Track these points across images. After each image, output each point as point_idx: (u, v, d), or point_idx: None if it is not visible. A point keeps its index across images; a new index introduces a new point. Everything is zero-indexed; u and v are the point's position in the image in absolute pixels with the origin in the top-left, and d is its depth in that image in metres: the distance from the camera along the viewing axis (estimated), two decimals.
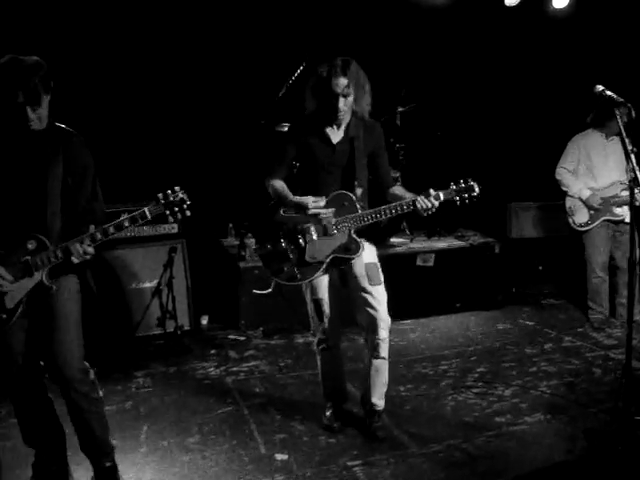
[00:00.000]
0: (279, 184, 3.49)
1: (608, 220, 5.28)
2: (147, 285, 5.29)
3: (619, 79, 5.63)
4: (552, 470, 3.28)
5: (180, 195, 2.73)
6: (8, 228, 2.72)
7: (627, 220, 5.04)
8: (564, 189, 5.45)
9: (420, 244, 6.14)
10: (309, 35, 6.11)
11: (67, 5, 5.51)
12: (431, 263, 5.91)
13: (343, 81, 3.22)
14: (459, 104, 7.00)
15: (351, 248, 3.40)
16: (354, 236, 3.41)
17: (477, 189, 3.31)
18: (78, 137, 2.83)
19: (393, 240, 6.12)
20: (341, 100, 3.26)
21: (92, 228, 2.72)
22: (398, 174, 6.29)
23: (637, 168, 3.15)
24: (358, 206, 3.39)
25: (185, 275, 5.44)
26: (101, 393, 3.13)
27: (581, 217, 5.37)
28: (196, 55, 6.03)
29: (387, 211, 3.32)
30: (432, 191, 3.27)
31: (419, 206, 3.26)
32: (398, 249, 5.99)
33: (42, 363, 3.01)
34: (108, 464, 3.14)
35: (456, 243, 6.20)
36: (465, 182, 3.32)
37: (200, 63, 6.06)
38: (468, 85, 6.98)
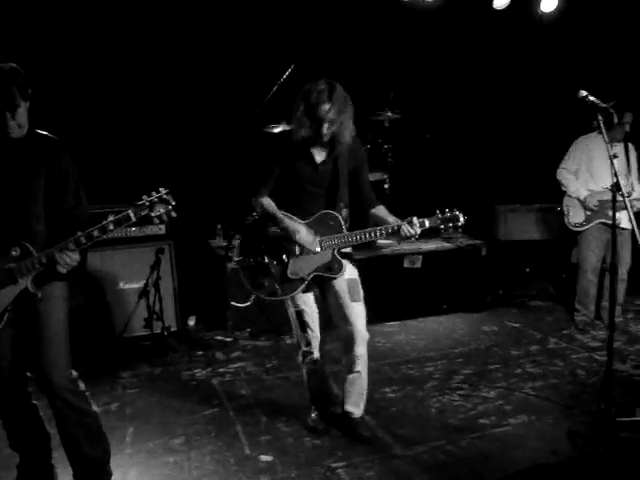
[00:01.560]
0: (268, 203, 3.47)
1: (603, 223, 5.28)
2: (134, 286, 5.28)
3: (607, 82, 5.71)
4: (535, 472, 3.30)
5: (165, 197, 2.70)
6: None
7: (622, 225, 5.03)
8: (563, 189, 5.47)
9: (407, 246, 6.15)
10: (298, 37, 6.13)
11: (52, 5, 5.50)
12: (418, 265, 5.93)
13: (327, 106, 3.23)
14: (448, 106, 7.04)
15: (333, 268, 3.44)
16: (337, 256, 3.44)
17: (462, 219, 3.33)
18: (60, 143, 2.82)
19: (380, 242, 6.13)
20: (325, 125, 3.29)
21: (78, 234, 2.68)
22: (386, 176, 6.32)
23: (618, 172, 3.19)
24: (344, 227, 3.43)
25: (172, 276, 5.45)
26: (95, 408, 3.06)
27: (577, 217, 5.39)
28: (185, 57, 6.04)
29: (372, 234, 3.36)
30: (415, 220, 3.29)
31: (403, 233, 3.30)
32: (385, 251, 6.01)
33: (28, 374, 3.00)
34: None
35: (444, 245, 6.23)
36: (451, 211, 3.34)
37: (189, 64, 6.07)
38: (457, 87, 7.03)
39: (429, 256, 5.97)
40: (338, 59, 5.36)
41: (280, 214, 3.43)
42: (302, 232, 3.37)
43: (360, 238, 3.37)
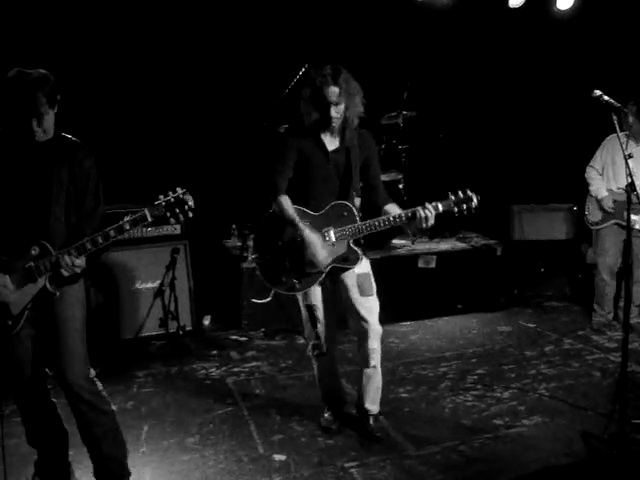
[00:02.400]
0: (288, 205, 3.40)
1: (619, 224, 5.22)
2: (149, 286, 5.32)
3: (624, 81, 5.66)
4: (548, 474, 3.29)
5: (182, 196, 2.69)
6: (13, 235, 2.75)
7: (637, 227, 4.99)
8: (588, 187, 5.45)
9: (422, 246, 6.15)
10: (312, 36, 6.13)
11: (70, 10, 5.56)
12: (433, 265, 5.92)
13: (334, 89, 3.25)
14: (462, 106, 7.01)
15: (350, 258, 3.44)
16: (353, 246, 3.44)
17: (476, 200, 3.30)
18: (82, 147, 2.86)
19: (395, 242, 6.14)
20: (332, 108, 3.30)
21: (84, 239, 2.71)
22: (401, 176, 6.31)
23: (634, 173, 3.16)
24: (357, 217, 3.42)
25: (187, 276, 5.48)
26: (114, 407, 3.10)
27: (594, 216, 5.37)
28: (199, 57, 6.06)
29: (386, 221, 3.34)
30: (428, 204, 3.27)
31: (418, 215, 3.26)
32: (400, 251, 6.01)
33: (48, 371, 3.04)
34: None
35: (458, 245, 6.22)
36: (464, 193, 3.32)
37: (203, 65, 6.09)
38: (471, 87, 6.99)
39: (443, 256, 5.96)
40: (352, 58, 5.34)
41: (299, 222, 3.34)
42: (318, 252, 3.32)
43: (375, 226, 3.34)
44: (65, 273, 2.71)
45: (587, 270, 6.25)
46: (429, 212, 3.25)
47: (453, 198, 3.31)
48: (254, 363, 4.88)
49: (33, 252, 2.72)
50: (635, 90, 4.96)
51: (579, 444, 3.54)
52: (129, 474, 3.19)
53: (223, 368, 4.79)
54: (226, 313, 5.77)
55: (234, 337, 5.43)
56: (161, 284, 5.26)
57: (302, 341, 5.25)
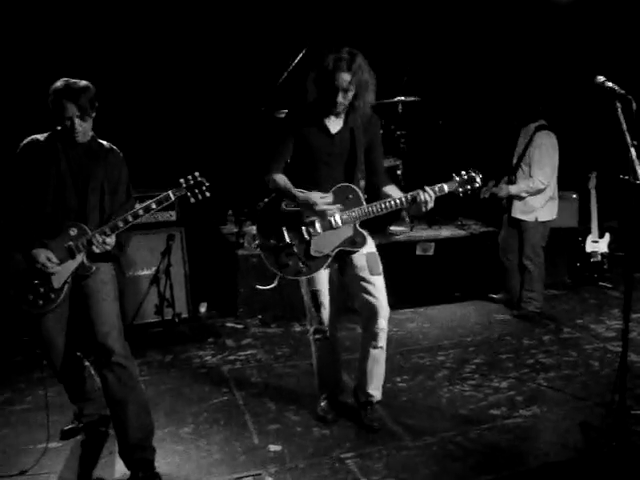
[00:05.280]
0: (281, 179, 3.41)
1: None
2: (145, 273, 5.27)
3: (623, 70, 5.57)
4: (545, 466, 3.26)
5: (199, 178, 3.15)
6: (55, 221, 3.12)
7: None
8: None
9: (420, 233, 6.11)
10: (310, 21, 6.04)
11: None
12: (431, 252, 5.88)
13: (346, 76, 3.17)
14: (461, 93, 6.93)
15: (357, 241, 3.40)
16: (359, 229, 3.40)
17: (479, 179, 3.32)
18: (116, 151, 3.28)
19: (393, 229, 6.09)
20: (341, 94, 3.22)
21: (114, 220, 3.10)
22: (399, 162, 6.25)
23: (637, 162, 3.10)
24: (363, 199, 3.37)
25: (183, 263, 5.42)
26: (140, 382, 3.30)
27: None
28: (196, 42, 5.99)
29: (392, 203, 3.32)
30: (428, 188, 3.27)
31: (419, 198, 3.26)
32: (398, 238, 5.96)
33: (79, 354, 3.45)
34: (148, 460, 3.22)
35: (456, 232, 6.18)
36: (467, 173, 3.33)
37: (200, 50, 6.02)
38: (471, 73, 6.91)
39: (442, 243, 5.92)
40: (350, 43, 5.27)
41: (294, 190, 3.35)
42: (320, 201, 3.30)
43: (380, 209, 3.33)
44: (96, 250, 3.08)
45: (586, 259, 6.21)
46: (428, 196, 3.27)
47: (458, 179, 3.33)
48: (250, 351, 4.85)
49: (72, 232, 3.11)
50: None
51: (577, 435, 3.51)
52: (153, 449, 3.25)
53: (219, 356, 4.75)
54: (222, 300, 5.72)
55: (230, 324, 5.39)
56: (157, 271, 5.20)
57: (299, 328, 5.22)
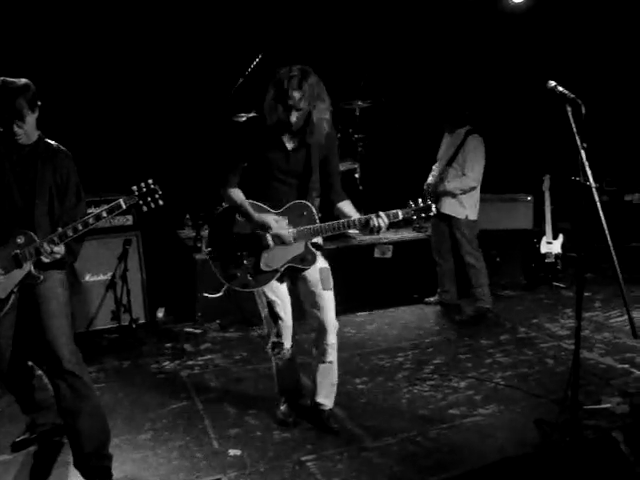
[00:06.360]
0: (237, 196, 3.38)
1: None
2: (101, 278, 5.18)
3: (575, 74, 5.73)
4: (503, 461, 3.31)
5: (152, 186, 3.01)
6: (1, 228, 2.99)
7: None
8: None
9: (378, 236, 6.12)
10: (267, 26, 6.04)
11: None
12: (389, 255, 5.92)
13: (297, 94, 3.15)
14: (419, 95, 7.01)
15: (307, 259, 3.40)
16: (310, 247, 3.40)
17: (434, 209, 3.32)
18: (64, 151, 3.12)
19: (351, 232, 6.09)
20: (294, 113, 3.21)
21: (62, 228, 2.95)
22: (357, 165, 6.28)
23: (587, 164, 3.18)
24: (317, 217, 3.37)
25: (140, 267, 5.35)
26: (95, 389, 3.24)
27: None
28: (151, 46, 5.93)
29: (344, 224, 3.31)
30: (383, 214, 3.25)
31: (371, 224, 3.25)
32: (355, 241, 5.98)
33: (30, 363, 3.39)
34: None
35: (414, 235, 6.23)
36: (424, 202, 3.32)
37: (155, 54, 5.96)
38: (427, 76, 6.99)
39: (400, 246, 5.97)
40: (308, 47, 5.31)
41: (250, 209, 3.33)
42: (275, 225, 3.31)
43: (333, 229, 3.32)
44: (45, 260, 2.95)
45: (541, 260, 6.34)
46: (382, 222, 3.25)
47: (413, 206, 3.31)
48: (209, 356, 4.80)
49: (19, 240, 2.97)
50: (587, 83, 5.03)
51: (533, 431, 3.58)
52: (110, 457, 3.20)
53: (177, 361, 4.69)
54: (180, 305, 5.65)
55: (188, 329, 5.33)
56: (113, 276, 5.13)
57: (257, 333, 5.18)
